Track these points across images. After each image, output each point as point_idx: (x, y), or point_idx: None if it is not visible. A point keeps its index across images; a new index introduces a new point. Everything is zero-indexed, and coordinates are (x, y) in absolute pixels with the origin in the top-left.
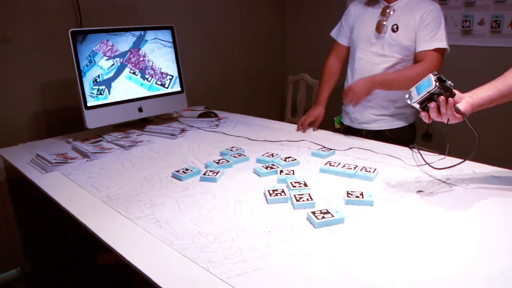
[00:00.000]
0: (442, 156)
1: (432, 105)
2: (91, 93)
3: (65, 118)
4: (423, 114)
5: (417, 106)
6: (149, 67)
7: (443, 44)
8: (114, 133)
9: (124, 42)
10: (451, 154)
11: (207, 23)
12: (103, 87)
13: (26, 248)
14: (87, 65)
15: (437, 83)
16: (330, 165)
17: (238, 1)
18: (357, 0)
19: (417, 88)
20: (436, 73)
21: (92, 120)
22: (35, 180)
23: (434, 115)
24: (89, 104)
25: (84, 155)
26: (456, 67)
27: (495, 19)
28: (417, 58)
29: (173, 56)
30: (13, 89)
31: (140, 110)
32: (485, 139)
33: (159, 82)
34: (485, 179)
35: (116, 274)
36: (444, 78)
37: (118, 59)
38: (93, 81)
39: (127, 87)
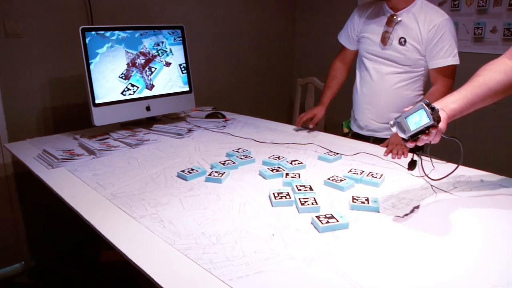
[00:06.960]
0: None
1: (425, 137)
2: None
3: (73, 115)
4: (410, 144)
5: (406, 138)
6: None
7: (455, 60)
8: (121, 131)
9: (134, 41)
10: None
11: (216, 24)
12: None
13: (30, 243)
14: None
15: (434, 117)
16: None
17: (248, 3)
18: (362, 7)
19: (407, 119)
20: (427, 101)
21: (99, 118)
22: (40, 175)
23: (422, 143)
24: (97, 102)
25: (91, 152)
26: (466, 75)
27: (508, 26)
28: (430, 75)
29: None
30: (22, 84)
31: (147, 109)
32: (496, 149)
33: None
34: (493, 188)
35: (120, 271)
36: (433, 106)
37: (126, 59)
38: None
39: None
